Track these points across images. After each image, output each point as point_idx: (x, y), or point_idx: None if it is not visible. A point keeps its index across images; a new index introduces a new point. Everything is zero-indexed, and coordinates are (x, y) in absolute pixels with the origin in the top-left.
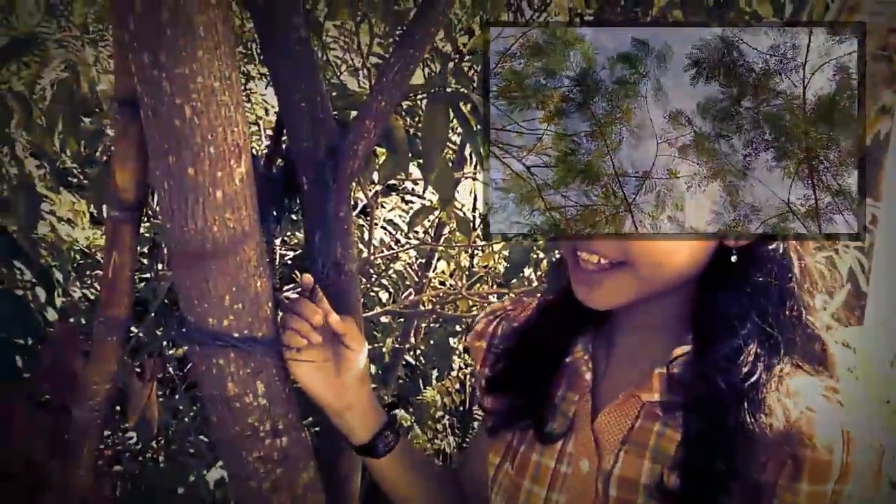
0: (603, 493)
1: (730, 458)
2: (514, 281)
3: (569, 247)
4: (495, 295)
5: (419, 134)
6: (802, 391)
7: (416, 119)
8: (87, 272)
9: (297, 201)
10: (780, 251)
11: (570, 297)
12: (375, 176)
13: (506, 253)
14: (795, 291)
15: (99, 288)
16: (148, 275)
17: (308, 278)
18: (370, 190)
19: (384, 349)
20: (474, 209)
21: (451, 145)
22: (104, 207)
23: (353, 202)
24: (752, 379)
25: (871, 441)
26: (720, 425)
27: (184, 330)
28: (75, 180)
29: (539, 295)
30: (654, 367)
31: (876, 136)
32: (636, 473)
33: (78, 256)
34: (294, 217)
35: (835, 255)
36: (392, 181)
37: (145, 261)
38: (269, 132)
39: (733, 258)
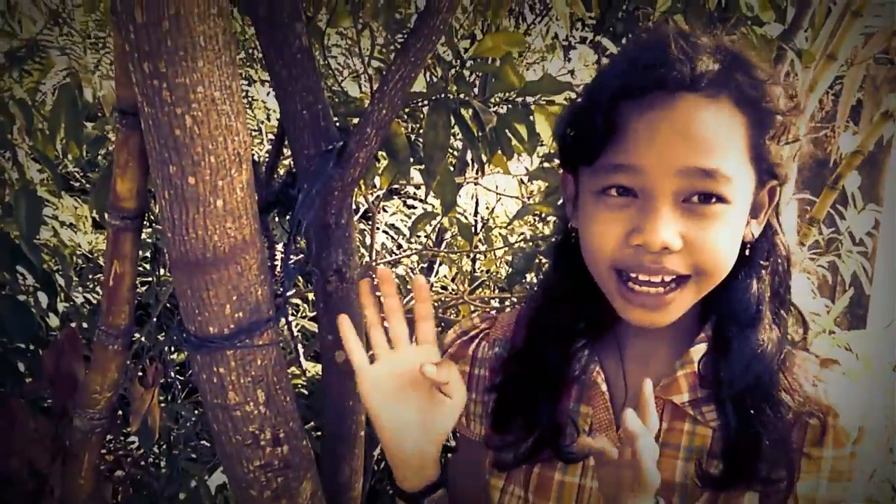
0: None
1: (767, 437)
2: (516, 286)
3: (610, 269)
4: (497, 299)
5: (420, 140)
6: (805, 365)
7: (418, 125)
8: (90, 276)
9: (299, 208)
10: (782, 240)
11: (564, 307)
12: (377, 181)
13: (508, 258)
14: (787, 274)
15: (101, 294)
16: (150, 279)
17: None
18: (371, 194)
19: None
20: (476, 214)
21: (452, 150)
22: (106, 213)
23: (354, 206)
24: (777, 360)
25: (881, 407)
26: (756, 409)
27: (185, 337)
28: (77, 185)
29: (517, 308)
30: (671, 367)
31: (879, 140)
32: (671, 474)
33: (80, 261)
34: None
35: (837, 259)
36: (394, 185)
37: (147, 266)
38: (271, 136)
39: (747, 252)
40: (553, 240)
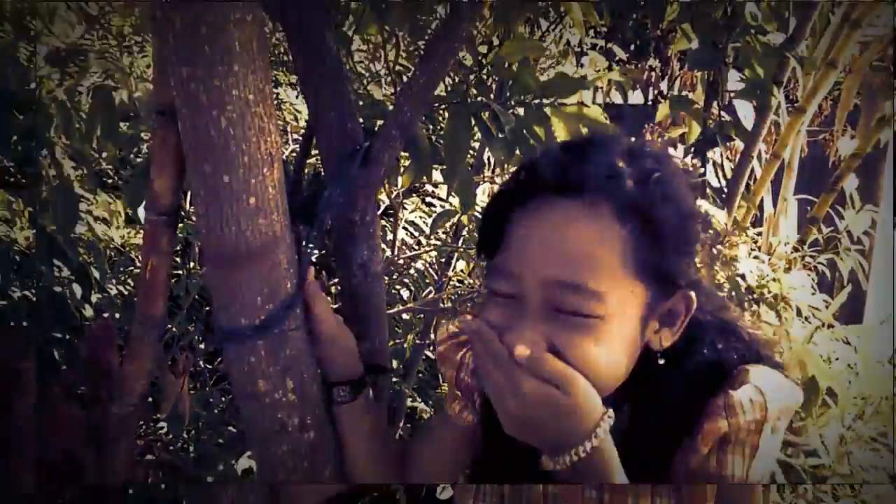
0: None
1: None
2: None
3: None
4: None
5: (441, 141)
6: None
7: (438, 127)
8: (122, 269)
9: (326, 206)
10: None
11: None
12: (399, 180)
13: None
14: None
15: (133, 285)
16: (180, 272)
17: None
18: (393, 192)
19: (405, 345)
20: None
21: (470, 151)
22: (140, 209)
23: (377, 204)
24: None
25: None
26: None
27: (216, 329)
28: (111, 181)
29: None
30: None
31: (876, 143)
32: None
33: (113, 254)
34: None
35: (836, 257)
36: (413, 184)
37: (178, 259)
38: (297, 136)
39: (661, 361)
40: None
